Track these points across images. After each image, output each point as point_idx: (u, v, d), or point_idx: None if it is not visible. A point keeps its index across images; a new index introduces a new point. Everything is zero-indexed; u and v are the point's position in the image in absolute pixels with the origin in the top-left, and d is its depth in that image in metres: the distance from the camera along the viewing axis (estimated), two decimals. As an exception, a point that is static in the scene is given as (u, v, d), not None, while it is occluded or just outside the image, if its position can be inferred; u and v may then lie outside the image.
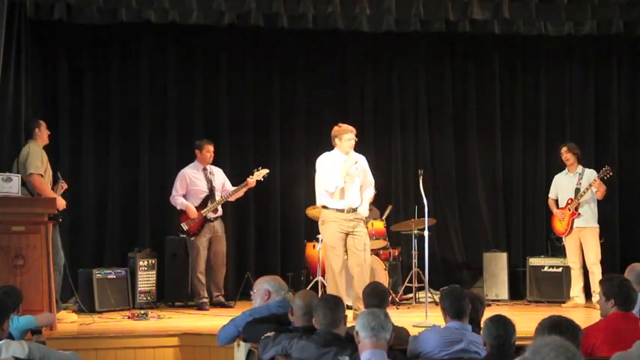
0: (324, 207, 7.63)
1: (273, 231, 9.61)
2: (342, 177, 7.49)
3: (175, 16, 8.42)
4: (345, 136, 7.56)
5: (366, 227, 7.92)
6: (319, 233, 8.53)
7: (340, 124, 7.69)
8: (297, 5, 8.50)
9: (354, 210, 7.57)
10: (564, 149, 8.92)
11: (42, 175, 7.24)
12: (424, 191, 7.60)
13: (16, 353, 4.06)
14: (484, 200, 10.00)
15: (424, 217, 7.68)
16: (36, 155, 7.27)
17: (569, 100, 10.10)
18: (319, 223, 7.78)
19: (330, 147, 7.59)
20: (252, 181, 8.58)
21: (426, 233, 7.65)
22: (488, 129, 10.05)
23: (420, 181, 7.66)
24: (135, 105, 9.29)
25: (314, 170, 7.67)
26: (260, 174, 8.59)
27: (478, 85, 10.06)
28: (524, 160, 10.10)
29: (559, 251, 9.29)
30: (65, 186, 7.59)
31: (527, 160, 10.10)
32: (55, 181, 7.52)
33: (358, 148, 7.78)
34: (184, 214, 8.48)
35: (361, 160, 7.73)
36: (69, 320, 7.33)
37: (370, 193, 7.86)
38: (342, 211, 7.54)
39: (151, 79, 9.35)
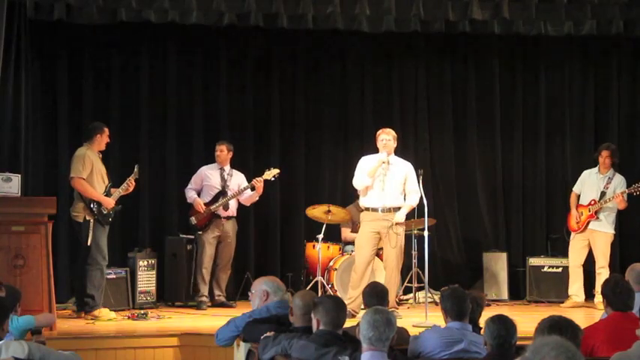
0: (365, 209, 7.79)
1: (273, 231, 9.60)
2: (369, 174, 7.63)
3: (175, 16, 8.41)
4: (380, 136, 7.76)
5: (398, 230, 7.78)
6: (319, 233, 8.58)
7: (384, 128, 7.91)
8: (297, 5, 8.49)
9: (390, 210, 7.66)
10: (606, 153, 8.72)
11: (83, 178, 7.54)
12: (424, 191, 7.62)
13: (16, 353, 4.04)
14: (484, 200, 9.98)
15: (424, 217, 7.68)
16: (78, 159, 7.62)
17: (569, 100, 10.08)
18: None
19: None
20: (259, 181, 8.41)
21: (425, 233, 7.65)
22: (488, 129, 10.03)
23: (420, 181, 7.69)
24: (135, 105, 9.29)
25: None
26: (270, 173, 8.51)
27: (478, 85, 10.04)
28: (524, 160, 10.08)
29: (559, 251, 9.28)
30: (132, 184, 7.88)
31: (527, 160, 10.09)
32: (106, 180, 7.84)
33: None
34: (193, 208, 8.56)
35: (405, 167, 7.85)
36: (108, 317, 7.52)
37: (412, 200, 7.84)
38: (376, 210, 7.67)
39: (151, 79, 9.34)
